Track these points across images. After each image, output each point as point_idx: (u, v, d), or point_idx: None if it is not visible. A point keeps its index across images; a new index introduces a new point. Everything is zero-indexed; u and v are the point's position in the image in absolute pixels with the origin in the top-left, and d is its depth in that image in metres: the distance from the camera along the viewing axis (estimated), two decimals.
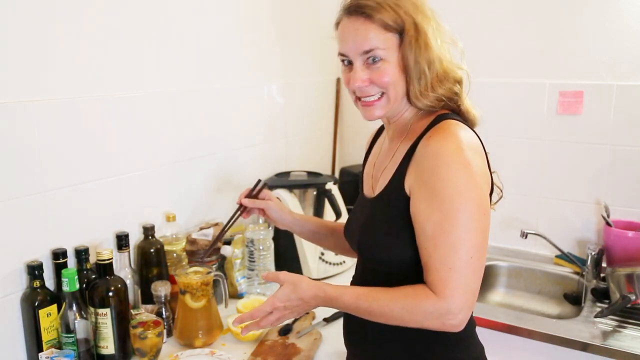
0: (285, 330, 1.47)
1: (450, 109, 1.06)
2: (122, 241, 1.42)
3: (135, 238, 1.54)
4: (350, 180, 2.21)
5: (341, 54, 1.04)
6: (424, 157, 0.96)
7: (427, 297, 0.93)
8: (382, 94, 1.03)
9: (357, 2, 1.00)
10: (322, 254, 1.85)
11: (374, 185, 1.13)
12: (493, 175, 1.06)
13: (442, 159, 0.93)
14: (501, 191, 1.09)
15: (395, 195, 1.02)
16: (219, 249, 1.65)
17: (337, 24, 1.06)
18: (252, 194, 1.35)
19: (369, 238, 1.07)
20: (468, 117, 1.07)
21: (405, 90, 1.03)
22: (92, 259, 1.35)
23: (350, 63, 1.04)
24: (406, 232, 0.99)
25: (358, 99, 1.06)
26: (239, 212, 1.35)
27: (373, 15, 0.98)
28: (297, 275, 1.06)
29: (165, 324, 1.40)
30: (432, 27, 1.00)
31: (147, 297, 1.47)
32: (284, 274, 1.06)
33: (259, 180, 1.37)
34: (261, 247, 1.72)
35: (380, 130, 1.25)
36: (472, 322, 1.10)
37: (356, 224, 1.14)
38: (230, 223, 1.37)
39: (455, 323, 0.93)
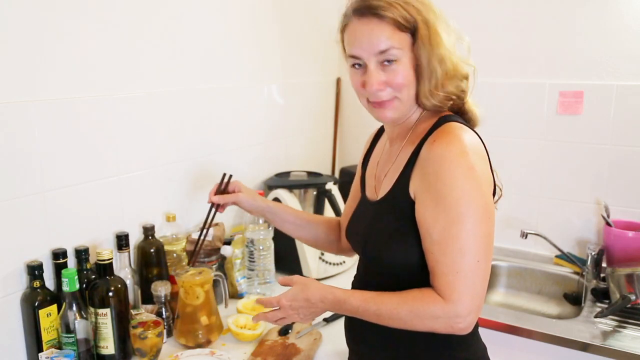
0: (285, 330, 1.47)
1: (454, 110, 1.06)
2: (122, 241, 1.42)
3: (135, 238, 1.54)
4: (350, 181, 2.20)
5: (353, 57, 1.01)
6: (429, 161, 0.96)
7: (434, 301, 0.94)
8: (394, 97, 1.01)
9: (367, 2, 0.97)
10: (322, 254, 1.85)
11: (377, 187, 1.13)
12: (494, 175, 1.06)
13: (446, 163, 0.93)
14: (501, 190, 1.10)
15: (400, 199, 1.02)
16: (218, 249, 1.65)
17: (344, 26, 1.03)
18: (221, 189, 1.36)
19: (375, 242, 1.07)
20: (470, 116, 1.07)
21: (416, 90, 1.02)
22: (92, 259, 1.35)
23: (361, 66, 1.02)
24: (412, 236, 0.99)
25: (369, 101, 1.04)
26: (213, 210, 1.37)
27: (385, 15, 0.95)
28: (309, 278, 1.10)
29: (165, 324, 1.40)
30: (442, 24, 1.00)
31: (147, 297, 1.47)
32: (297, 277, 1.10)
33: (224, 174, 1.37)
34: (261, 247, 1.72)
35: (381, 130, 1.25)
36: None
37: (360, 227, 1.14)
38: (208, 223, 1.39)
39: (463, 326, 0.94)
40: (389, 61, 0.98)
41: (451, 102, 1.03)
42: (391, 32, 0.96)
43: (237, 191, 1.36)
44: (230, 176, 1.38)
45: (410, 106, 1.05)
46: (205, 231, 1.40)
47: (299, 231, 1.37)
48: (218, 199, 1.35)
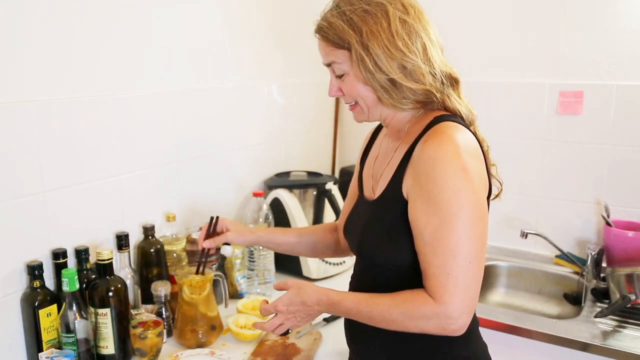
0: (285, 330, 1.47)
1: (444, 109, 1.05)
2: (122, 241, 1.42)
3: (135, 238, 1.54)
4: (350, 180, 2.21)
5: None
6: (421, 161, 0.96)
7: (425, 303, 0.94)
8: (355, 102, 1.07)
9: (318, 22, 1.06)
10: None
11: (374, 186, 1.13)
12: (492, 168, 1.06)
13: (438, 164, 0.93)
14: (501, 184, 1.09)
15: (394, 199, 1.02)
16: (218, 249, 1.65)
17: None
18: (210, 233, 1.36)
19: (369, 241, 1.07)
20: (462, 115, 1.05)
21: (377, 98, 1.03)
22: (92, 259, 1.35)
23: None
24: (405, 237, 0.99)
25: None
26: (204, 255, 1.38)
27: (325, 36, 1.03)
28: (303, 281, 1.10)
29: (165, 324, 1.40)
30: (383, 39, 0.97)
31: (147, 297, 1.48)
32: (291, 281, 1.10)
33: (211, 218, 1.37)
34: (261, 247, 1.72)
35: (378, 128, 1.25)
36: (475, 321, 1.10)
37: (357, 225, 1.14)
38: (202, 267, 1.39)
39: (456, 328, 0.94)
40: (339, 74, 1.05)
41: (428, 104, 1.03)
42: (331, 50, 1.04)
43: (226, 230, 1.36)
44: (217, 217, 1.37)
45: (379, 110, 1.06)
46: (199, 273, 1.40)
47: (295, 248, 1.38)
48: (209, 243, 1.34)
